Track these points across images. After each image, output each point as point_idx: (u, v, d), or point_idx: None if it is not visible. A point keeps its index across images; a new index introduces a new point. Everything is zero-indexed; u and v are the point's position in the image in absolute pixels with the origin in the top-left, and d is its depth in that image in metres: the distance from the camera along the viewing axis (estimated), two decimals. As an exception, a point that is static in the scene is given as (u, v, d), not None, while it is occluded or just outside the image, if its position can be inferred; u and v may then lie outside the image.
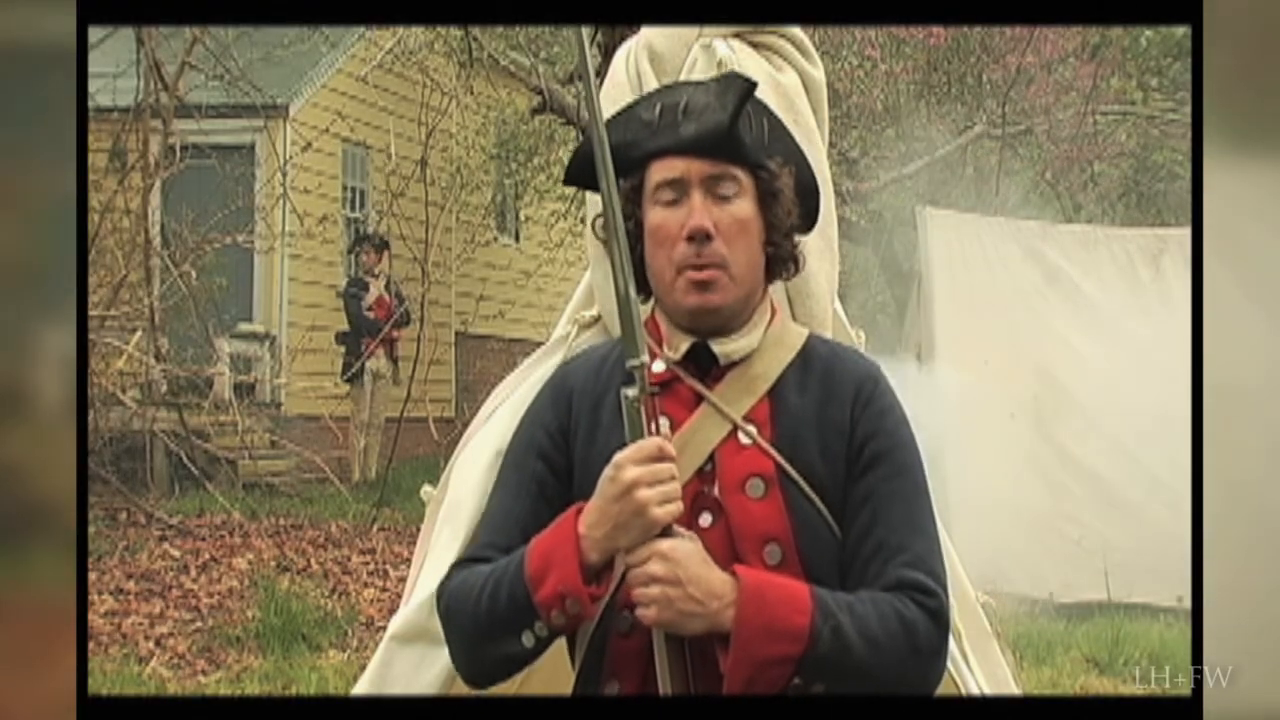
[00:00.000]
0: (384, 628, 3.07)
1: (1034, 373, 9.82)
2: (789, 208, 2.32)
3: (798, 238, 2.36)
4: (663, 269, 2.28)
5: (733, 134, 2.26)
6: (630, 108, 2.38)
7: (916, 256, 10.48)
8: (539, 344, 2.91)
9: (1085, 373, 9.83)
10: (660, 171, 2.28)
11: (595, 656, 2.26)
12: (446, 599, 2.30)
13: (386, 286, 14.24)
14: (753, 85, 2.28)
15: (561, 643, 2.28)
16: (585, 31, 2.29)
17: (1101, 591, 9.15)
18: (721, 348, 2.29)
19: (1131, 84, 16.15)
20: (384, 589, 9.30)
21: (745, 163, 2.28)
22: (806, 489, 2.23)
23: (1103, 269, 10.09)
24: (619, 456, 2.14)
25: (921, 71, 15.12)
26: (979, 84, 15.23)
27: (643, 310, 2.29)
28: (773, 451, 2.24)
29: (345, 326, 14.25)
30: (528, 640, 2.18)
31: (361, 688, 2.80)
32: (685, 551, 2.12)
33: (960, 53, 14.95)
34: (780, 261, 2.34)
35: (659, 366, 2.30)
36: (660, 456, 2.13)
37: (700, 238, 2.23)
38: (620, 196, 2.27)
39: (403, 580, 3.12)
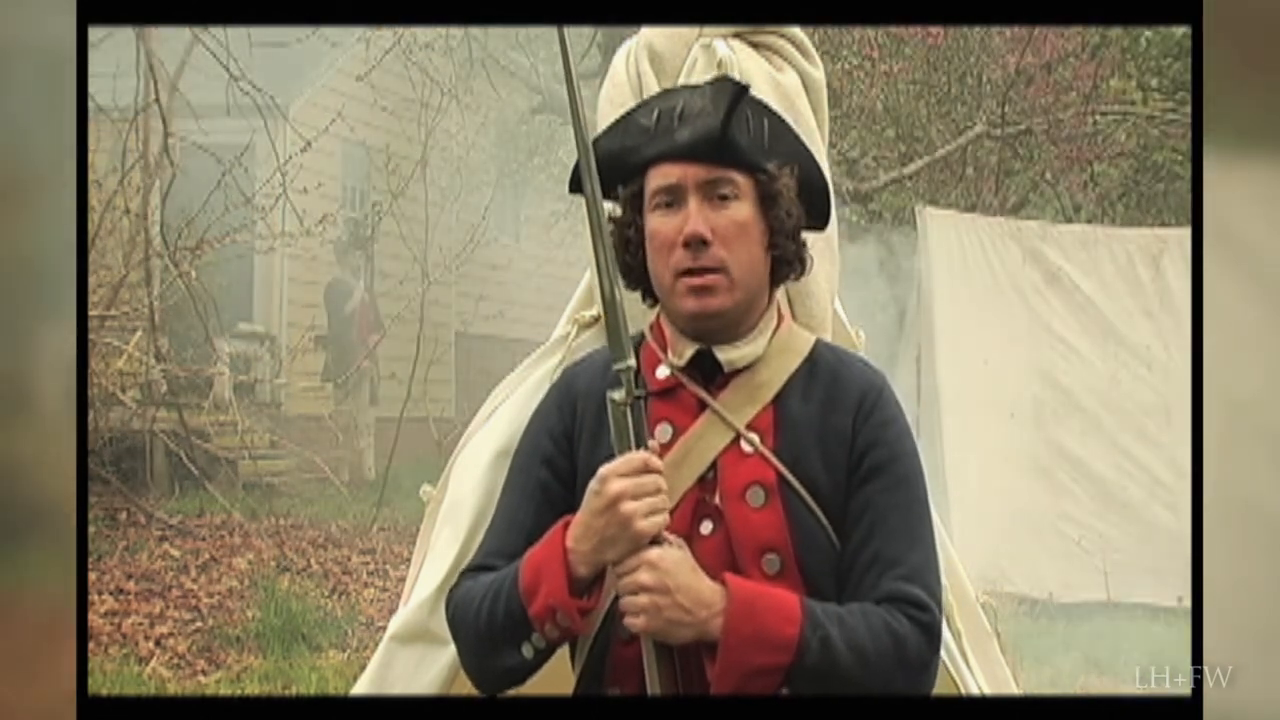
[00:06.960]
0: (384, 628, 3.07)
1: (1034, 373, 9.83)
2: (790, 209, 2.30)
3: (805, 236, 2.35)
4: (662, 274, 2.28)
5: (726, 138, 2.25)
6: (630, 114, 2.38)
7: (916, 256, 10.47)
8: (539, 344, 2.90)
9: (1085, 373, 9.83)
10: (658, 177, 2.28)
11: (597, 663, 2.27)
12: (452, 609, 2.31)
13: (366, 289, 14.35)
14: (744, 89, 2.27)
15: (563, 648, 2.28)
16: (566, 34, 2.28)
17: (1101, 591, 9.14)
18: (726, 355, 2.28)
19: (1131, 84, 16.11)
20: (384, 589, 9.30)
21: (742, 166, 2.27)
22: (807, 498, 2.22)
23: (1103, 269, 10.09)
24: (604, 469, 2.13)
25: (921, 71, 15.09)
26: (979, 84, 15.20)
27: (649, 315, 2.29)
28: (775, 460, 2.24)
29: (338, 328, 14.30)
30: (527, 651, 2.19)
31: (361, 688, 2.80)
32: (674, 560, 2.12)
33: (960, 53, 14.93)
34: (785, 263, 2.33)
35: (664, 372, 2.30)
36: (646, 468, 2.12)
37: (696, 243, 2.23)
38: (622, 202, 2.28)
39: (403, 580, 3.12)
